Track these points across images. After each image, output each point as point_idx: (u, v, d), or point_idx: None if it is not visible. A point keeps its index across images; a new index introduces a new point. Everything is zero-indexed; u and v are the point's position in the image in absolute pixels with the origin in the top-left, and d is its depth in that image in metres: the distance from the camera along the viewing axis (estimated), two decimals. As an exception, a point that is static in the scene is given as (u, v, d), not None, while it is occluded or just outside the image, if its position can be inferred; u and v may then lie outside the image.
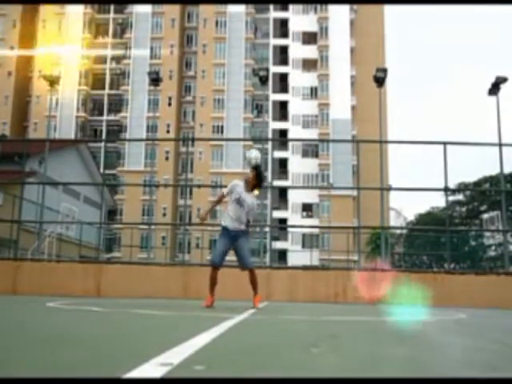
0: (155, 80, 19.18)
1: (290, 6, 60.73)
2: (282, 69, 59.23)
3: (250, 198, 6.45)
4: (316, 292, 10.28)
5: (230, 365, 1.97)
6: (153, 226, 29.06)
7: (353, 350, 2.61)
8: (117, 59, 61.76)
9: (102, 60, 62.32)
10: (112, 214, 48.92)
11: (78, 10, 60.88)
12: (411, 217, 59.29)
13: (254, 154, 6.70)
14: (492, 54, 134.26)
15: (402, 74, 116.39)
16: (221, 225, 6.62)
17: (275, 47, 60.67)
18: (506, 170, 20.09)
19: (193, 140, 58.43)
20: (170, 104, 59.00)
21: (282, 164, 55.59)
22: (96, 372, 1.72)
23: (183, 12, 62.32)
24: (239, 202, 6.41)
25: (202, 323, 4.16)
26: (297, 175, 55.34)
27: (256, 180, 6.43)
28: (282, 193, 53.06)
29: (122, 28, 62.27)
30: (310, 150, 57.22)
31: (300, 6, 60.77)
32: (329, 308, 7.86)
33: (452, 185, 39.68)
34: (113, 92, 61.09)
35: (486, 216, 35.04)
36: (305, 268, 14.85)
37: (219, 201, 6.80)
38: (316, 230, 47.26)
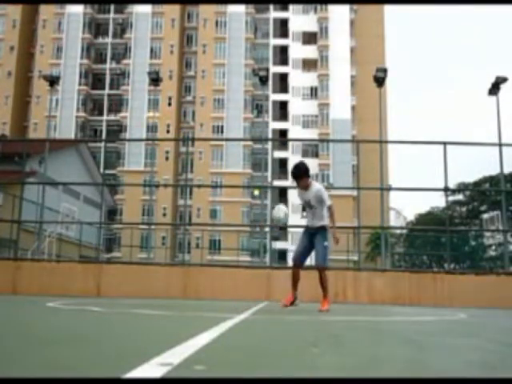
0: (155, 80, 19.22)
1: (290, 6, 60.74)
2: (282, 69, 59.23)
3: (310, 193, 6.45)
4: (316, 292, 10.25)
5: (230, 365, 1.97)
6: (153, 226, 29.08)
7: (353, 350, 2.61)
8: (117, 59, 61.76)
9: (102, 60, 62.34)
10: (112, 213, 48.95)
11: (78, 10, 60.88)
12: (411, 217, 59.36)
13: (280, 213, 7.01)
14: (492, 54, 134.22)
15: (401, 74, 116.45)
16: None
17: (275, 47, 60.67)
18: (506, 170, 20.07)
19: (193, 140, 58.45)
20: (170, 104, 59.01)
21: (282, 164, 55.57)
22: (96, 372, 1.72)
23: (183, 12, 62.34)
24: (306, 204, 6.58)
25: (202, 323, 4.16)
26: (297, 175, 55.34)
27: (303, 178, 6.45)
28: (282, 193, 53.03)
29: (122, 28, 62.27)
30: (310, 149, 57.23)
31: (300, 6, 60.77)
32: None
33: (452, 185, 39.66)
34: (113, 92, 61.09)
35: (485, 216, 35.05)
36: (305, 268, 14.79)
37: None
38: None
